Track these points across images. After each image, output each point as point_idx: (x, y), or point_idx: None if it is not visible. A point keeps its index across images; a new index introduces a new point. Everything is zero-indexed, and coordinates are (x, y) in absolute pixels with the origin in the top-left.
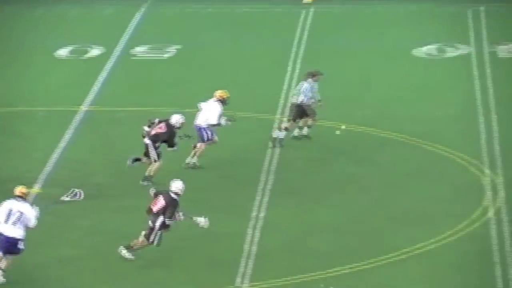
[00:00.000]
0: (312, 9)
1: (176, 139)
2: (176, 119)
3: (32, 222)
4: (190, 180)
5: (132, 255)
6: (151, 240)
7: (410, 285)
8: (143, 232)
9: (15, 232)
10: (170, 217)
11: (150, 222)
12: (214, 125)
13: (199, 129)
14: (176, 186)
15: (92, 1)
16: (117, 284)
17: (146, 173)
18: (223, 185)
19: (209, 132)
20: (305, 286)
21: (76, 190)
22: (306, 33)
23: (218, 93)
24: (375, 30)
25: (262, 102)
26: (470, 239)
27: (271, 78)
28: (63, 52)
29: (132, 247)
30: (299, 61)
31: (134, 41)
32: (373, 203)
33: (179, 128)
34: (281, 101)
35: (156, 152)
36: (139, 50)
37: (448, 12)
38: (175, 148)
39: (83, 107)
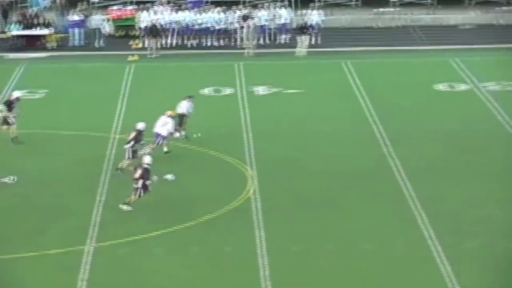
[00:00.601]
0: (135, 64)
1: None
2: (140, 125)
3: None
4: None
5: (130, 208)
6: (138, 194)
7: (200, 243)
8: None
9: None
10: (147, 179)
11: (134, 185)
12: (171, 133)
13: (159, 135)
14: (147, 160)
15: None
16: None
17: (120, 166)
18: (79, 181)
19: (163, 141)
20: (133, 244)
21: (13, 176)
22: (130, 79)
23: (169, 112)
24: (176, 78)
25: (102, 125)
26: (239, 210)
27: (108, 110)
28: None
29: (128, 202)
30: (126, 98)
31: (17, 87)
32: (175, 188)
33: (143, 131)
34: (114, 124)
35: (133, 152)
36: (20, 93)
37: (222, 65)
38: (143, 143)
39: None
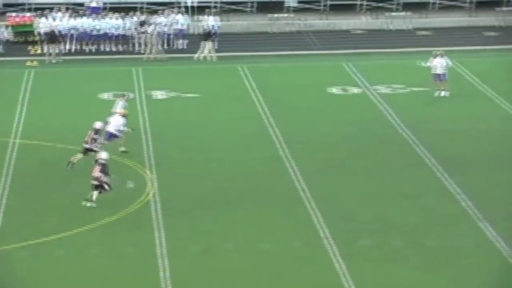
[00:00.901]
0: (34, 70)
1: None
2: (98, 125)
3: None
4: None
5: (95, 204)
6: (99, 190)
7: (101, 245)
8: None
9: None
10: (106, 174)
11: (95, 181)
12: (121, 130)
13: (110, 134)
14: (103, 156)
15: None
16: None
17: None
18: None
19: (119, 134)
20: (34, 247)
21: None
22: (30, 85)
23: (122, 111)
24: (75, 83)
25: (1, 130)
26: (139, 212)
27: (7, 115)
28: None
29: (88, 199)
30: (25, 103)
31: None
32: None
33: (100, 130)
34: (14, 129)
35: (96, 146)
36: None
37: (120, 70)
38: (101, 141)
39: None
